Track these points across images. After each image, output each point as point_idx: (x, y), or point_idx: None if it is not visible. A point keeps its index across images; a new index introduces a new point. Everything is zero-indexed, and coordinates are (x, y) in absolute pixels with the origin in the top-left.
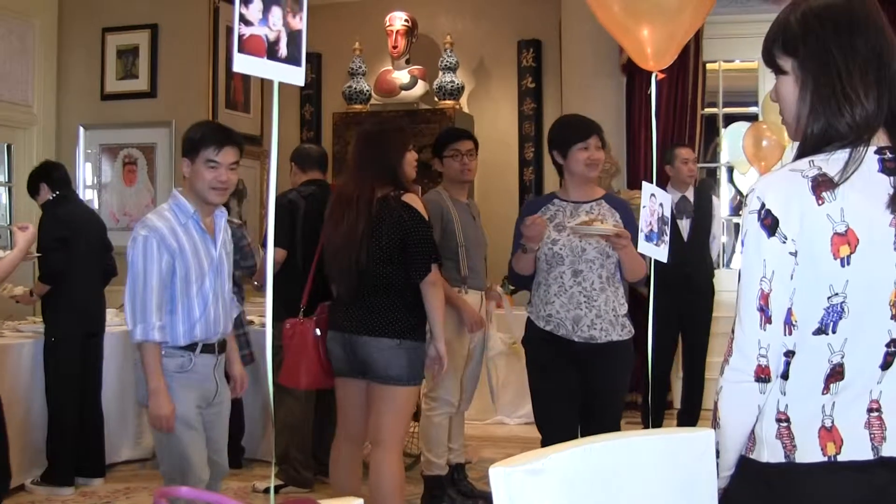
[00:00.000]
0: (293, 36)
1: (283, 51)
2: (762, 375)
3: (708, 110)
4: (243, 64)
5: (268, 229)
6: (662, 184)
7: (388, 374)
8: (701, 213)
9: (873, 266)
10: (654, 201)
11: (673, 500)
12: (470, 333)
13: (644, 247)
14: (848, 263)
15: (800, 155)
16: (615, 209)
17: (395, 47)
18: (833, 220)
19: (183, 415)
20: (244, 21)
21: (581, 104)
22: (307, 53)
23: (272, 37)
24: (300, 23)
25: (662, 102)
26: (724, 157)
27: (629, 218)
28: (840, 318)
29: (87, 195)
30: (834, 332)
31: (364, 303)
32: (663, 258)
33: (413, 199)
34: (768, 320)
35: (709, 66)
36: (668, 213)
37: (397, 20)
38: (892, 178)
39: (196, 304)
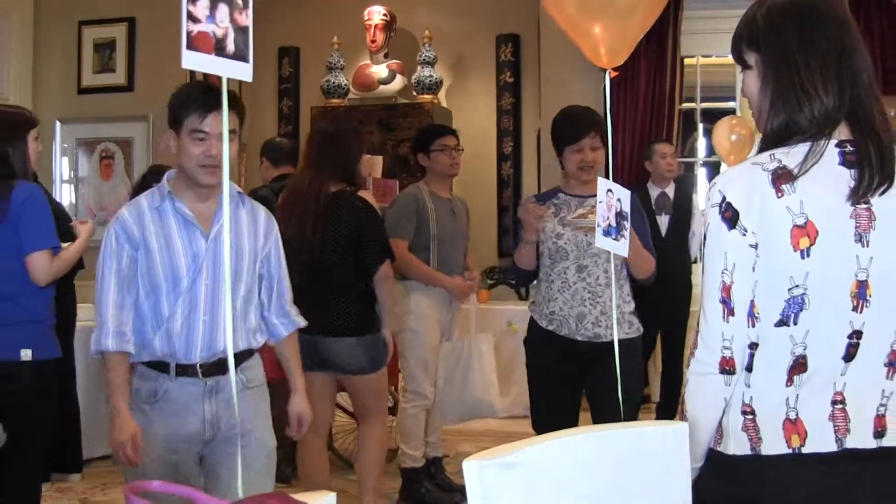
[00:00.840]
0: (240, 32)
1: (230, 47)
2: (727, 367)
3: (686, 105)
4: (192, 61)
5: (223, 226)
6: (644, 180)
7: (352, 368)
8: (680, 209)
9: (833, 258)
10: (611, 196)
11: (647, 493)
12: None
13: (602, 241)
14: (808, 255)
15: (762, 149)
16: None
17: (373, 41)
18: (792, 212)
19: (155, 458)
20: (191, 18)
21: (559, 99)
22: (284, 47)
23: (220, 33)
24: (247, 19)
25: (640, 98)
26: (702, 152)
27: (636, 211)
28: (801, 310)
29: (64, 190)
30: (795, 323)
31: (321, 300)
32: (623, 252)
33: (368, 196)
34: (731, 312)
35: (686, 61)
36: (626, 209)
37: (376, 14)
38: (852, 170)
39: (165, 309)
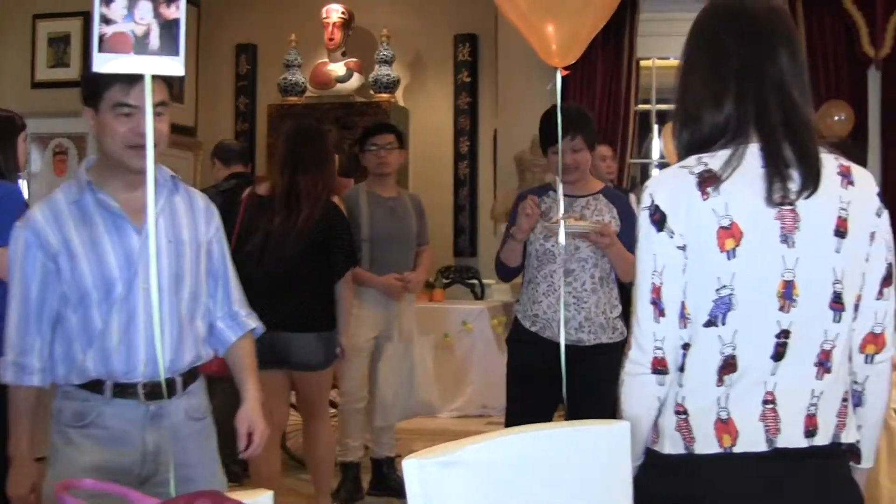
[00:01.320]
0: (167, 27)
1: (154, 43)
2: (659, 367)
3: (641, 107)
4: (104, 63)
5: (148, 230)
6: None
7: (308, 364)
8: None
9: (759, 259)
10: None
11: (589, 490)
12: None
13: (564, 236)
14: (734, 256)
15: (686, 154)
16: (613, 204)
17: (331, 39)
18: (718, 214)
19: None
20: (105, 21)
21: (517, 99)
22: (241, 45)
23: (140, 31)
24: (177, 12)
25: (596, 99)
26: (656, 153)
27: (628, 213)
28: (729, 310)
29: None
30: (724, 323)
31: (286, 298)
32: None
33: (339, 201)
34: (661, 313)
35: (642, 63)
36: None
37: (334, 12)
38: (780, 173)
39: (96, 322)
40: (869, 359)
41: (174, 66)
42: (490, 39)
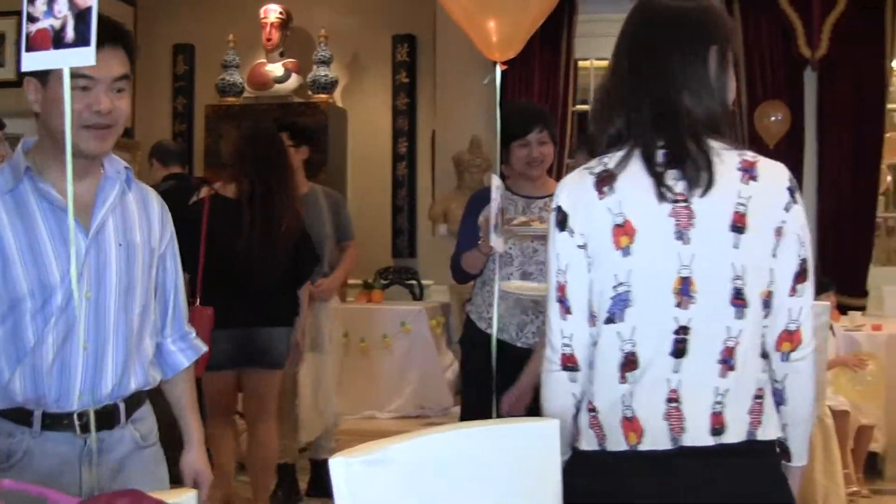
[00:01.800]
0: (82, 15)
1: (69, 35)
2: (569, 364)
3: (580, 108)
4: (30, 62)
5: (69, 231)
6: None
7: (275, 360)
8: None
9: (654, 256)
10: (499, 193)
11: (517, 488)
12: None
13: (497, 242)
14: (629, 253)
15: (592, 154)
16: None
17: (269, 40)
18: (612, 212)
19: None
20: (30, 19)
21: (455, 100)
22: (179, 45)
23: (58, 25)
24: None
25: (534, 99)
26: None
27: None
28: (626, 307)
29: None
30: (622, 320)
31: (261, 296)
32: (501, 250)
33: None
34: (567, 311)
35: (580, 63)
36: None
37: (272, 13)
38: (668, 171)
39: (29, 336)
40: (785, 356)
41: (86, 56)
42: (428, 40)
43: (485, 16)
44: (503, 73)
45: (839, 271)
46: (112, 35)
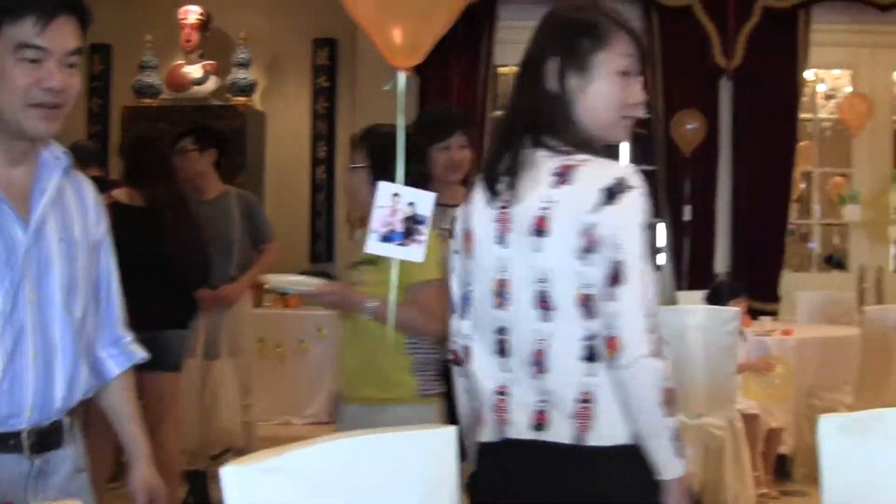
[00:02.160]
0: None
1: None
2: (455, 360)
3: (498, 114)
4: None
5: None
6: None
7: (170, 363)
8: None
9: (483, 258)
10: (396, 201)
11: (414, 496)
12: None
13: (379, 247)
14: (471, 257)
15: None
16: None
17: (187, 41)
18: (464, 219)
19: None
20: None
21: (375, 105)
22: (95, 44)
23: None
24: None
25: (452, 105)
26: None
27: None
28: (468, 306)
29: None
30: (467, 318)
31: (152, 299)
32: (418, 258)
33: None
34: (453, 310)
35: (500, 70)
36: (424, 212)
37: (191, 14)
38: (502, 179)
39: None
40: (610, 363)
41: None
42: (349, 44)
43: (388, 22)
44: (421, 78)
45: (752, 277)
46: (68, 2)
